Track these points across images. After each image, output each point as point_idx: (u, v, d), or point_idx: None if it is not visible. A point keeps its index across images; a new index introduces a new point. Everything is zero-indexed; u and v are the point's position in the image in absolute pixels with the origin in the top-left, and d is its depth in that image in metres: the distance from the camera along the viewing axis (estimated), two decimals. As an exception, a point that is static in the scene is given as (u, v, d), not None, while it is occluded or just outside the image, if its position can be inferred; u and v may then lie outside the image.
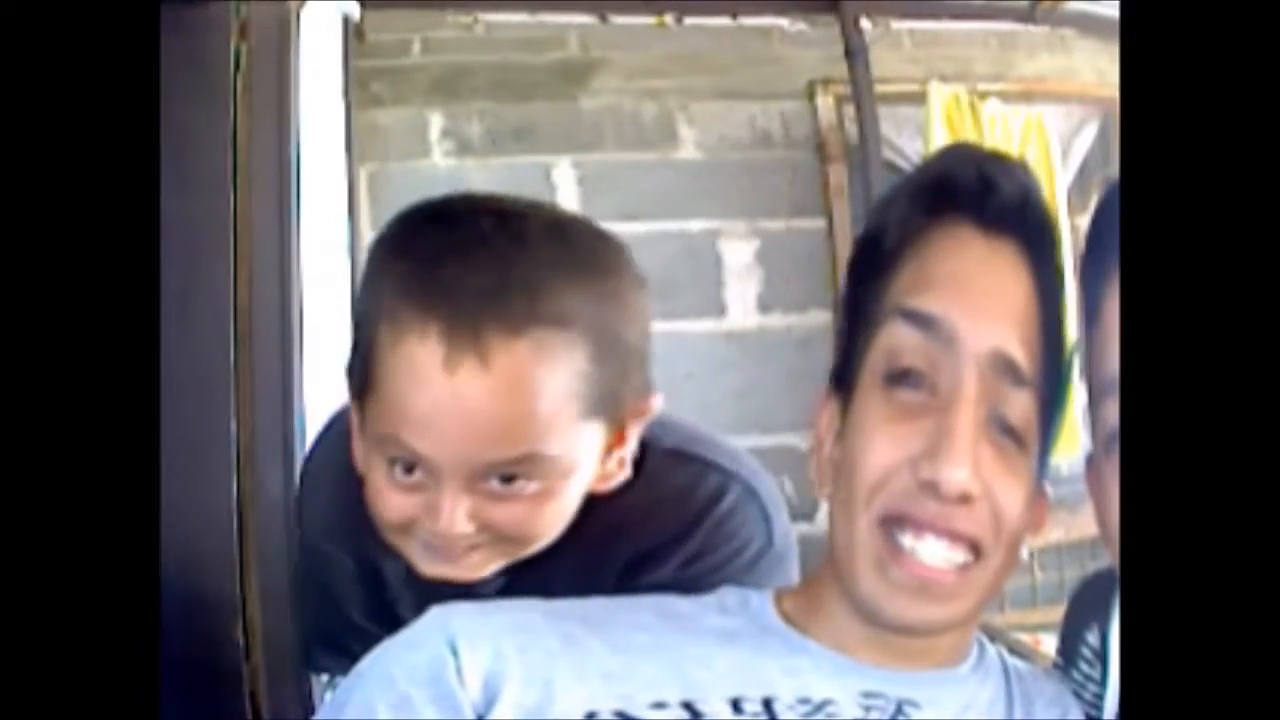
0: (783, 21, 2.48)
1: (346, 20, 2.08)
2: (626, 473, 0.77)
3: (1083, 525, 0.65)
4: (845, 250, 2.15)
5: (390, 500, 0.73)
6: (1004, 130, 2.41)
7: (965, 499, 0.56)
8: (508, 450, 0.68)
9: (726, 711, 0.57)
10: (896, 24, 2.48)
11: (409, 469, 0.71)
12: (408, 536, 0.75)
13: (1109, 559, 0.59)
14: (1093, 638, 0.65)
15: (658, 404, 0.77)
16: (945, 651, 0.63)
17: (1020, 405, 0.58)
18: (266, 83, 1.42)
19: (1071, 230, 2.32)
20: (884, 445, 0.58)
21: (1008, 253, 0.60)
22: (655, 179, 2.43)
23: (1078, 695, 0.65)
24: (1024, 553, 0.62)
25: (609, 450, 0.75)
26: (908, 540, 0.57)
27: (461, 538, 0.71)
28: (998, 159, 0.65)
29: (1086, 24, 2.39)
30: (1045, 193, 0.63)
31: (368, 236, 2.25)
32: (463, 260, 0.68)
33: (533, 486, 0.71)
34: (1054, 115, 2.52)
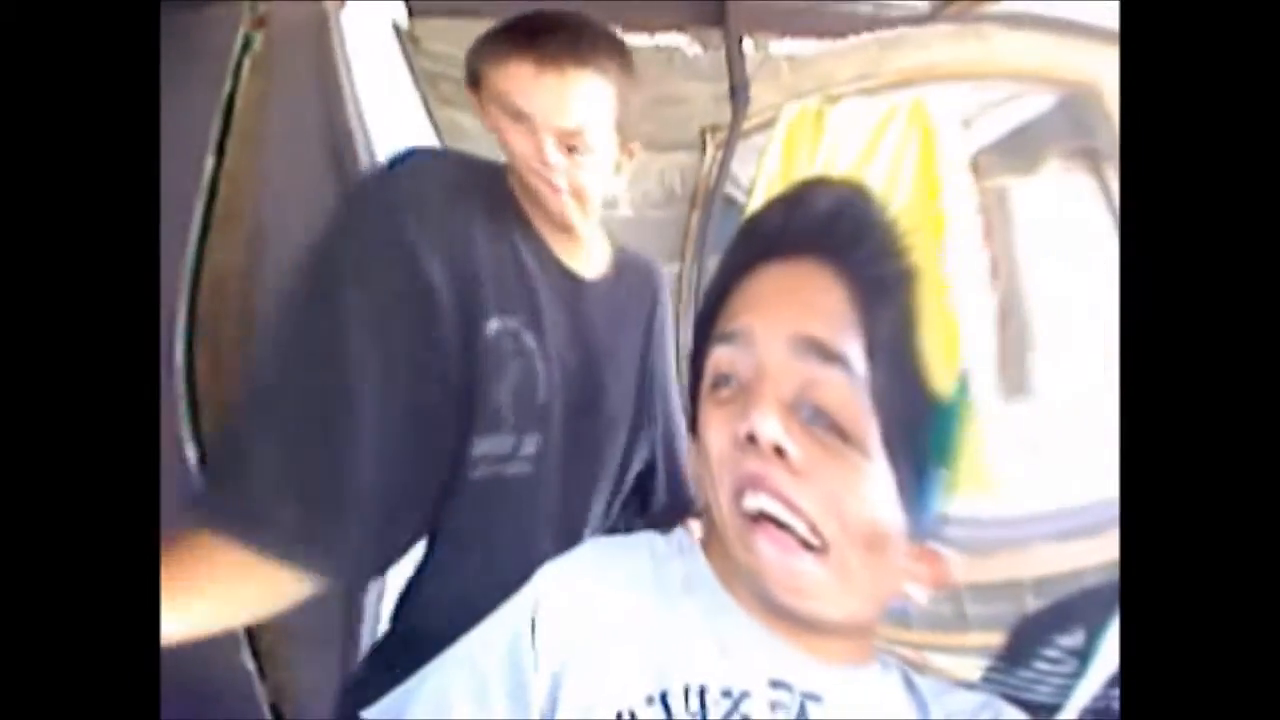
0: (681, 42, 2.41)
1: (396, 27, 2.07)
2: (624, 176, 1.14)
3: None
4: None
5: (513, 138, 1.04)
6: (853, 124, 2.38)
7: (781, 454, 0.62)
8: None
9: (682, 701, 0.64)
10: (776, 45, 2.42)
11: (517, 116, 1.03)
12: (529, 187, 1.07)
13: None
14: (1071, 640, 0.70)
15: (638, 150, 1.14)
16: (840, 652, 0.67)
17: (832, 385, 0.62)
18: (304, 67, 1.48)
19: (982, 192, 2.36)
20: (715, 431, 0.66)
21: (808, 266, 0.66)
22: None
23: (1034, 687, 0.71)
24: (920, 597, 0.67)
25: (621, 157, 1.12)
26: (751, 501, 0.63)
27: (557, 172, 1.04)
28: (811, 187, 0.70)
29: (1003, 20, 2.38)
30: (878, 208, 0.68)
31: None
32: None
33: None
34: (957, 92, 2.46)
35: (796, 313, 0.64)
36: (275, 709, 1.46)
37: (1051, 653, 0.70)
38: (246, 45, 1.40)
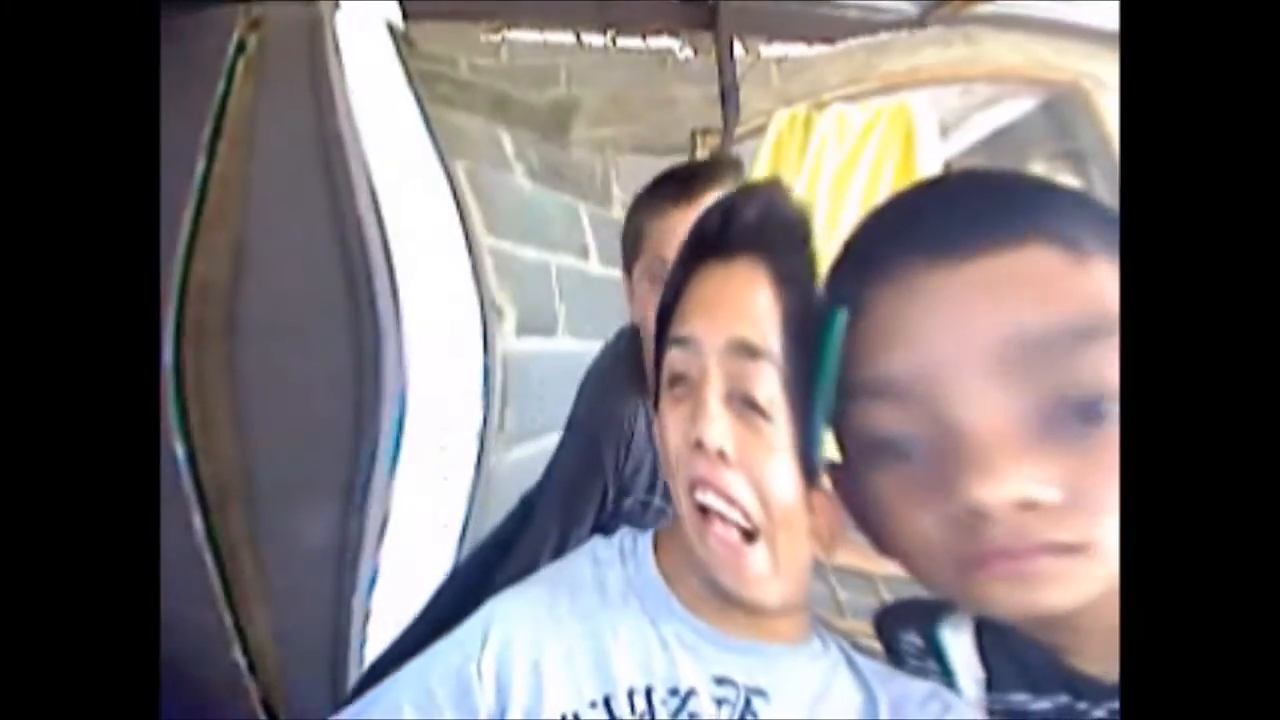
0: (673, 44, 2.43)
1: (392, 29, 2.05)
2: None
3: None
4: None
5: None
6: (838, 131, 2.40)
7: (723, 456, 0.69)
8: None
9: (627, 704, 0.69)
10: (766, 50, 2.43)
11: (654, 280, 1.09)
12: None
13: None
14: (913, 638, 0.74)
15: None
16: (782, 631, 0.74)
17: (757, 374, 0.69)
18: (298, 70, 1.48)
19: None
20: (671, 429, 0.73)
21: (745, 266, 0.72)
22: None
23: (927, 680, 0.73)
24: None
25: None
26: (700, 496, 0.70)
27: None
28: (743, 193, 0.78)
29: (991, 22, 2.39)
30: (795, 205, 0.75)
31: (484, 239, 2.14)
32: None
33: None
34: (943, 96, 2.51)
35: (731, 317, 0.71)
36: (267, 707, 1.47)
37: (907, 648, 0.74)
38: (241, 48, 1.40)
